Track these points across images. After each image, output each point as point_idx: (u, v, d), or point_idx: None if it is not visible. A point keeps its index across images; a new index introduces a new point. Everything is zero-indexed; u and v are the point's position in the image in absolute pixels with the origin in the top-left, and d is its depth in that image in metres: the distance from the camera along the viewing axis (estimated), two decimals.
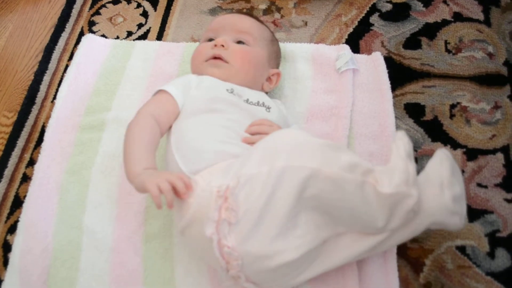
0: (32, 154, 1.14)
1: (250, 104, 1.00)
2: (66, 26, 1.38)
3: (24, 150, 1.15)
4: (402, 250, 0.96)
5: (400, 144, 0.82)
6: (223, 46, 1.04)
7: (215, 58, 1.04)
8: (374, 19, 1.33)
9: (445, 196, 0.80)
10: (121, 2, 1.43)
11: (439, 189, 0.81)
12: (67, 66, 1.29)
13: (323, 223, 0.82)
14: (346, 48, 1.23)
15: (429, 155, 1.08)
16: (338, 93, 1.17)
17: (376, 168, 0.81)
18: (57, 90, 1.23)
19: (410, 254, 0.96)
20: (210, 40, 1.08)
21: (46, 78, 1.28)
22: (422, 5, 1.34)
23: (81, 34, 1.36)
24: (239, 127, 0.94)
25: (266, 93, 1.11)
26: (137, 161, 0.88)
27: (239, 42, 1.07)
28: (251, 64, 1.05)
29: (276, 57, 1.14)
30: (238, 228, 0.78)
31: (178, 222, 0.89)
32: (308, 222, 0.81)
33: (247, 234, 0.78)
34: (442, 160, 0.84)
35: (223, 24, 1.10)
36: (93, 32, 1.36)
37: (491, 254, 0.96)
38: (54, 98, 1.22)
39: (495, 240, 0.97)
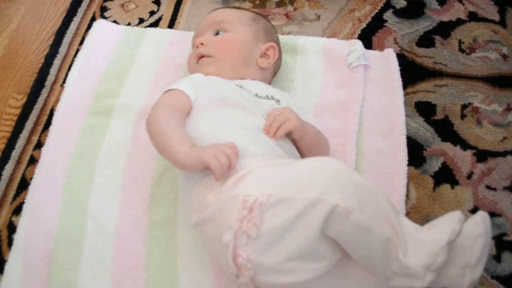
0: (40, 137, 1.15)
1: (260, 98, 0.99)
2: (78, 11, 1.38)
3: (32, 132, 1.16)
4: None
5: (449, 228, 0.78)
6: (202, 44, 1.06)
7: (201, 57, 1.05)
8: (388, 15, 1.32)
9: (465, 280, 0.78)
10: None
11: (461, 270, 0.78)
12: (77, 50, 1.29)
13: (340, 252, 0.81)
14: (359, 43, 1.22)
15: (438, 154, 1.07)
16: (349, 89, 1.16)
17: (409, 231, 0.79)
18: (67, 74, 1.23)
19: None
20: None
21: (57, 61, 1.28)
22: (437, 3, 1.33)
23: (93, 19, 1.36)
24: (252, 122, 0.93)
25: (269, 83, 1.11)
26: (179, 143, 0.85)
27: (218, 33, 1.08)
28: (233, 47, 1.05)
29: (266, 33, 1.12)
30: (257, 243, 0.77)
31: (190, 213, 0.88)
32: (328, 250, 0.79)
33: (265, 250, 0.77)
34: (479, 236, 0.79)
35: (201, 25, 1.12)
36: (105, 18, 1.36)
37: (498, 258, 0.95)
38: (64, 82, 1.22)
39: (502, 243, 0.97)
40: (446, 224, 0.79)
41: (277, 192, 0.77)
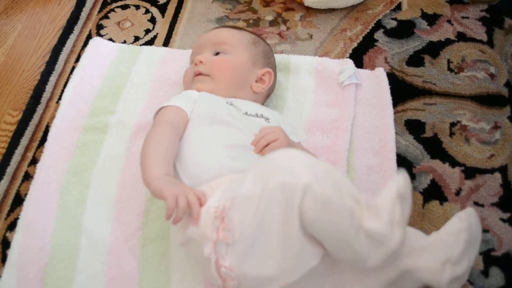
0: (35, 153, 1.15)
1: (249, 116, 1.01)
2: (75, 28, 1.40)
3: (27, 148, 1.16)
4: None
5: (394, 184, 0.78)
6: (201, 62, 1.08)
7: (197, 75, 1.07)
8: (379, 35, 1.35)
9: (444, 276, 0.78)
10: (129, 7, 1.45)
11: (441, 266, 0.79)
12: (73, 67, 1.30)
13: (318, 251, 0.81)
14: (350, 62, 1.25)
15: (427, 171, 1.09)
16: (340, 107, 1.18)
17: (366, 202, 0.79)
18: (62, 91, 1.25)
19: None
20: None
21: (52, 78, 1.29)
22: (426, 23, 1.36)
23: (89, 37, 1.38)
24: (241, 140, 0.95)
25: (263, 104, 1.13)
26: (156, 165, 0.87)
27: (218, 53, 1.10)
28: (230, 70, 1.07)
29: (264, 57, 1.14)
30: (235, 249, 0.79)
31: (177, 234, 0.90)
32: (304, 244, 0.79)
33: (243, 255, 0.78)
34: (461, 231, 0.79)
35: (202, 42, 1.13)
36: (101, 36, 1.37)
37: (485, 273, 0.97)
38: (59, 99, 1.23)
39: (489, 258, 0.98)
40: (391, 183, 0.79)
41: (240, 194, 0.79)
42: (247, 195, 0.78)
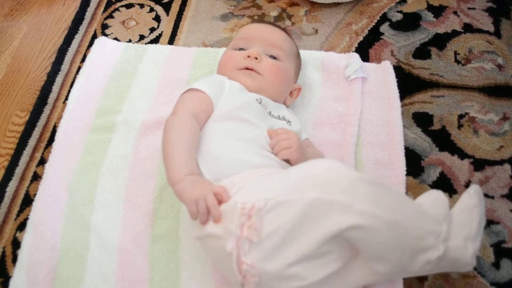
0: (43, 153, 1.16)
1: (272, 117, 1.01)
2: (80, 29, 1.40)
3: (35, 149, 1.17)
4: None
5: (442, 203, 0.83)
6: (256, 58, 1.04)
7: (247, 68, 1.04)
8: (384, 28, 1.34)
9: (468, 251, 0.82)
10: (134, 6, 1.45)
11: (463, 242, 0.82)
12: (79, 67, 1.31)
13: (345, 253, 0.81)
14: (356, 56, 1.24)
15: (436, 164, 1.09)
16: (347, 101, 1.18)
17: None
18: (69, 91, 1.25)
19: None
20: (241, 49, 1.08)
21: (59, 79, 1.30)
22: (432, 15, 1.35)
23: (94, 36, 1.38)
24: (261, 139, 0.95)
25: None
26: (179, 165, 0.87)
27: (271, 56, 1.07)
28: (282, 80, 1.06)
29: (299, 72, 1.15)
30: (260, 248, 0.78)
31: (194, 229, 0.89)
32: (331, 251, 0.79)
33: (268, 255, 0.78)
34: (474, 207, 0.84)
35: (256, 35, 1.10)
36: (106, 35, 1.38)
37: (496, 265, 0.96)
38: (66, 99, 1.23)
39: (500, 250, 0.98)
40: (434, 200, 0.84)
41: (275, 196, 0.78)
42: (283, 200, 0.77)
